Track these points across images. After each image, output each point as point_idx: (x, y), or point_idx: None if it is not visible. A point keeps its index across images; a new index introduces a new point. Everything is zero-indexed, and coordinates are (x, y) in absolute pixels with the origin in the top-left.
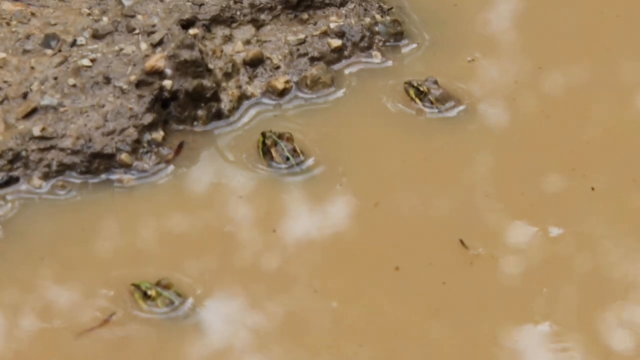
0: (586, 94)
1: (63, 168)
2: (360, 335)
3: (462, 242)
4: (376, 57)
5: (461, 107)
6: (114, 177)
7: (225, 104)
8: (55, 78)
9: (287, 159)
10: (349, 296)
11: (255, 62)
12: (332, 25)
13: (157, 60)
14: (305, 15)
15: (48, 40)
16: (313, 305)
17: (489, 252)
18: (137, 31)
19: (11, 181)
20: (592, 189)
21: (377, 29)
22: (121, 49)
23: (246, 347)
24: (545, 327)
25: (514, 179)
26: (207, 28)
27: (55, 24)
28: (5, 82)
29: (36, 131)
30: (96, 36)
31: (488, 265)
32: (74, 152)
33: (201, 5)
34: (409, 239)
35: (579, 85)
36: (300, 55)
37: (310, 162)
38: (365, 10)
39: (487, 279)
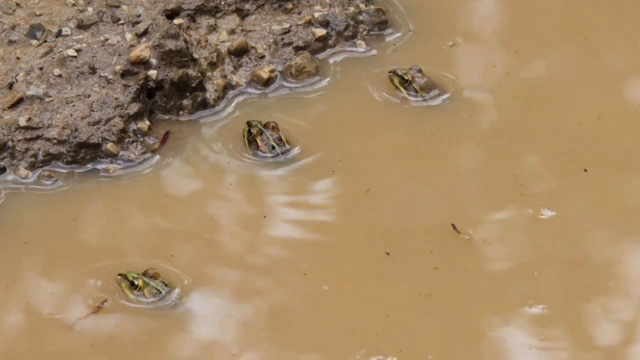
0: (566, 79)
1: (49, 158)
2: (350, 319)
3: (454, 226)
4: (360, 46)
5: (446, 95)
6: (100, 166)
7: (210, 94)
8: (41, 68)
9: (273, 147)
10: (339, 280)
11: (240, 52)
12: (316, 15)
13: (142, 50)
14: (289, 5)
15: (33, 31)
16: (303, 289)
17: (480, 237)
18: (122, 21)
19: None
20: (585, 170)
21: (361, 18)
22: (106, 39)
23: (234, 334)
24: (537, 311)
25: (502, 164)
26: (192, 18)
27: (40, 15)
28: None
29: (22, 121)
30: (81, 26)
31: (480, 249)
32: (60, 142)
33: None
34: (400, 225)
35: (559, 71)
36: (285, 45)
37: (296, 150)
38: None
39: (479, 263)
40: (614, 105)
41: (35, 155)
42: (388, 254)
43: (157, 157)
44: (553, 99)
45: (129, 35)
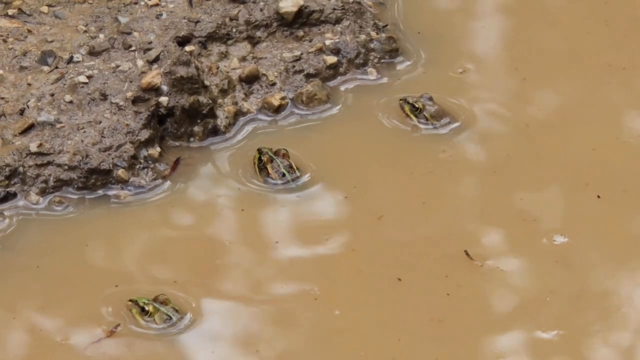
0: (577, 105)
1: (60, 184)
2: (362, 344)
3: (466, 253)
4: (372, 73)
5: (456, 123)
6: (111, 192)
7: (221, 120)
8: (52, 94)
9: (283, 175)
10: (351, 305)
11: (251, 79)
12: (327, 42)
13: (154, 76)
14: (300, 32)
15: (45, 57)
16: (314, 314)
17: (493, 263)
18: (133, 48)
19: (8, 197)
20: (598, 196)
21: (372, 45)
22: (117, 66)
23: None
24: (550, 337)
25: (515, 189)
26: (203, 45)
27: (51, 41)
28: (2, 98)
29: (33, 147)
30: (93, 53)
31: (493, 276)
32: (71, 168)
33: (197, 22)
34: (413, 251)
35: (570, 97)
36: (296, 72)
37: (306, 178)
38: (361, 27)
39: (493, 289)
40: (627, 130)
41: (46, 181)
42: (400, 279)
43: (168, 183)
44: (564, 125)
45: (140, 62)
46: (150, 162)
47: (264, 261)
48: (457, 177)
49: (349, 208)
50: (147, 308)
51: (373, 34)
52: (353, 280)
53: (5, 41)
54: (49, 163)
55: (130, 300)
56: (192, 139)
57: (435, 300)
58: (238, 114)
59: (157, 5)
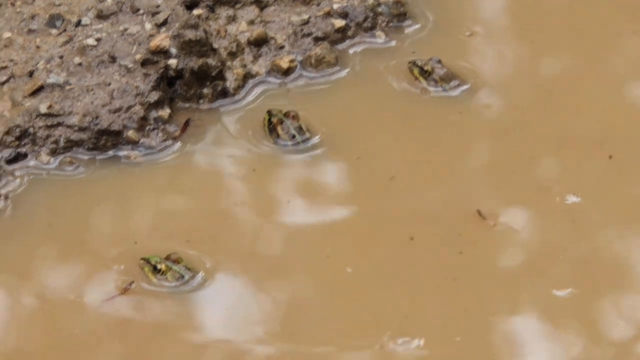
0: (587, 68)
1: (70, 144)
2: (375, 303)
3: (479, 213)
4: (380, 37)
5: (465, 86)
6: (121, 153)
7: (230, 83)
8: (61, 57)
9: (293, 136)
10: (364, 264)
11: (259, 42)
12: (335, 6)
13: (162, 39)
14: None
15: (53, 20)
16: (326, 271)
17: (506, 223)
18: (141, 12)
19: (19, 157)
20: (610, 157)
21: (380, 9)
22: (126, 29)
23: (259, 317)
24: (563, 295)
25: (526, 152)
26: (211, 9)
27: (59, 5)
28: (11, 60)
29: (43, 108)
30: (101, 16)
31: (505, 235)
32: (81, 129)
33: None
34: (425, 211)
35: (580, 60)
36: (304, 35)
37: (316, 139)
38: None
39: (505, 248)
40: (638, 91)
41: (56, 142)
42: (412, 238)
43: (178, 144)
44: (575, 87)
45: (148, 25)
46: (160, 123)
47: (275, 220)
48: (469, 138)
49: (360, 169)
50: (159, 266)
51: None
52: (365, 240)
53: (13, 4)
54: (59, 124)
55: (143, 259)
56: (201, 101)
57: (448, 258)
58: (247, 76)
59: None
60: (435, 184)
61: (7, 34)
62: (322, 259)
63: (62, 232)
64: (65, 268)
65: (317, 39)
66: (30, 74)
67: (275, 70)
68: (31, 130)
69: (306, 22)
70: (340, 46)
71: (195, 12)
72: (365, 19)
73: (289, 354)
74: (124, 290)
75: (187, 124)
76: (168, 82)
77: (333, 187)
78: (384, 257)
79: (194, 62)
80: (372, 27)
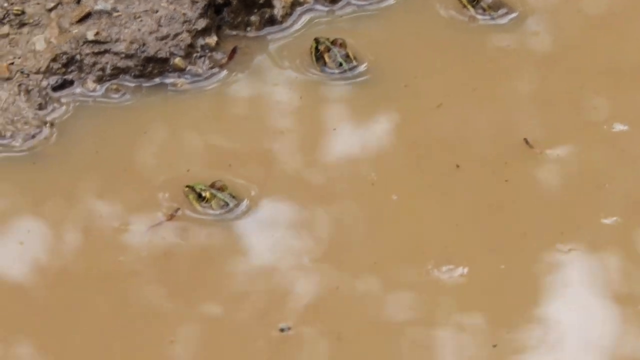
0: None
1: (117, 72)
2: (420, 230)
3: (526, 141)
4: None
5: (513, 14)
6: (167, 81)
7: (277, 10)
8: None
9: (340, 64)
10: (408, 191)
11: None
12: None
13: None
14: None
15: None
16: (371, 198)
17: (552, 151)
18: None
19: (65, 84)
20: None
21: None
22: None
23: (304, 244)
24: (610, 223)
25: (572, 80)
26: None
27: None
28: None
29: (90, 35)
30: None
31: (552, 163)
32: (128, 56)
33: None
34: (472, 139)
35: None
36: None
37: (363, 67)
38: None
39: (551, 176)
40: None
41: (103, 69)
42: (458, 166)
43: (225, 72)
44: (624, 16)
45: None
46: (207, 50)
47: (321, 147)
48: (517, 66)
49: (407, 97)
50: (204, 194)
51: None
52: (411, 167)
53: None
54: (105, 51)
55: (187, 187)
56: (249, 29)
57: (494, 187)
58: (295, 4)
59: None
60: (482, 112)
61: None
62: (367, 187)
63: (108, 159)
64: (111, 195)
65: None
66: (78, 0)
67: None
68: (78, 57)
69: None
70: None
71: None
72: None
73: (334, 280)
74: (170, 217)
75: (234, 51)
76: (215, 9)
77: (379, 115)
78: (430, 185)
79: None
80: None
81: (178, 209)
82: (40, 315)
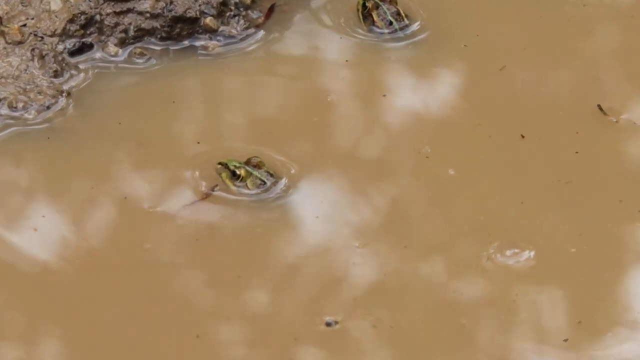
0: None
1: (141, 34)
2: (480, 208)
3: (599, 107)
4: None
5: None
6: (198, 43)
7: None
8: None
9: (390, 23)
10: (467, 165)
11: None
12: None
13: None
14: None
15: None
16: (425, 174)
17: (629, 118)
18: None
19: (84, 48)
20: None
21: None
22: None
23: (352, 227)
24: None
25: None
26: None
27: None
28: None
29: None
30: None
31: (628, 132)
32: (154, 16)
33: None
34: (538, 105)
35: None
36: None
37: (415, 26)
38: None
39: (627, 147)
40: None
41: (125, 31)
42: (523, 136)
43: (262, 32)
44: None
45: None
46: (241, 9)
47: (369, 116)
48: (589, 26)
49: (466, 58)
50: (238, 172)
51: None
52: (470, 137)
53: None
54: (129, 10)
55: (220, 164)
56: None
57: (563, 159)
58: None
59: None
60: (550, 76)
61: None
62: (421, 160)
63: (132, 132)
64: (137, 173)
65: None
66: None
67: None
68: (98, 17)
69: None
70: None
71: None
72: None
73: (386, 266)
74: (205, 196)
75: (271, 9)
76: None
77: (434, 80)
78: (490, 158)
79: None
80: None
81: (216, 185)
82: (63, 306)
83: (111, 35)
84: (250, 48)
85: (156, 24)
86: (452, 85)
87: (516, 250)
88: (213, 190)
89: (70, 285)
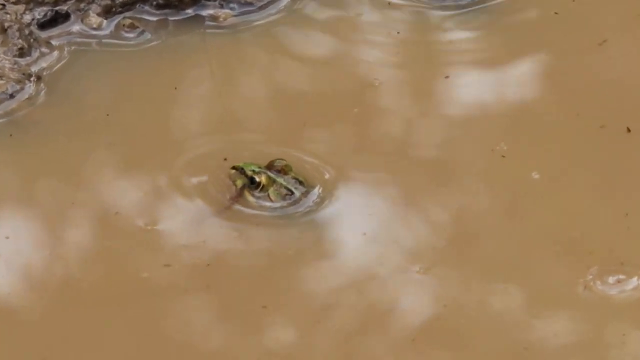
0: None
1: (132, 0)
2: (575, 222)
3: None
4: None
5: None
6: (205, 12)
7: None
8: None
9: None
10: (553, 166)
11: None
12: None
13: None
14: None
15: None
16: (501, 178)
17: None
18: None
19: (58, 19)
20: None
21: None
22: None
23: (407, 247)
24: None
25: None
26: None
27: None
28: None
29: None
30: None
31: None
32: None
33: None
34: None
35: None
36: None
37: None
38: None
39: None
40: None
41: None
42: (630, 130)
43: None
44: None
45: None
46: None
47: (426, 104)
48: None
49: (555, 30)
50: (257, 178)
51: None
52: (558, 131)
53: None
54: None
55: (234, 168)
56: None
57: None
58: None
59: None
60: None
61: None
62: (496, 160)
63: (120, 126)
64: (130, 180)
65: None
66: None
67: None
68: None
69: None
70: None
71: None
72: None
73: (451, 294)
74: (222, 210)
75: None
76: None
77: (512, 57)
78: (586, 157)
79: None
80: None
81: (234, 197)
82: (32, 352)
83: (93, 2)
84: (272, 18)
85: None
86: (535, 64)
87: (621, 277)
88: (232, 204)
89: (41, 324)
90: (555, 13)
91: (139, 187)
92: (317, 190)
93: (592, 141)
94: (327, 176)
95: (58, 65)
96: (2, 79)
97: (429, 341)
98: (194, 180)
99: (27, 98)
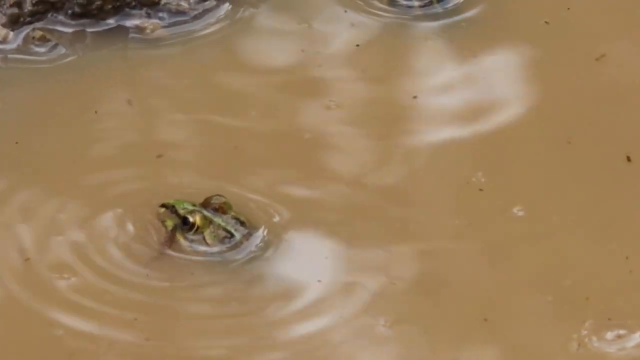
0: None
1: (43, 8)
2: (565, 265)
3: None
4: None
5: None
6: (130, 22)
7: None
8: None
9: None
10: (542, 200)
11: None
12: None
13: None
14: None
15: None
16: (477, 214)
17: None
18: None
19: None
20: None
21: None
22: None
23: (371, 300)
24: None
25: None
26: None
27: None
28: None
29: None
30: None
31: None
32: None
33: None
34: None
35: None
36: None
37: None
38: None
39: None
40: None
41: (19, 4)
42: (630, 159)
43: (227, 6)
44: None
45: None
46: None
47: (390, 129)
48: None
49: (547, 39)
50: (191, 218)
51: None
52: (546, 159)
53: None
54: None
55: (164, 206)
56: None
57: None
58: None
59: None
60: None
61: None
62: (472, 194)
63: (30, 155)
64: (40, 219)
65: None
66: None
67: None
68: None
69: None
70: None
71: None
72: None
73: (422, 353)
74: (150, 260)
75: None
76: None
77: (492, 71)
78: (578, 191)
79: None
80: None
81: (167, 243)
82: None
83: None
84: (209, 30)
85: None
86: (520, 81)
87: (621, 332)
88: (162, 250)
89: None
90: (546, 22)
91: (53, 230)
92: (261, 232)
93: (585, 171)
94: (275, 218)
95: None
96: None
97: None
98: (117, 223)
99: None
